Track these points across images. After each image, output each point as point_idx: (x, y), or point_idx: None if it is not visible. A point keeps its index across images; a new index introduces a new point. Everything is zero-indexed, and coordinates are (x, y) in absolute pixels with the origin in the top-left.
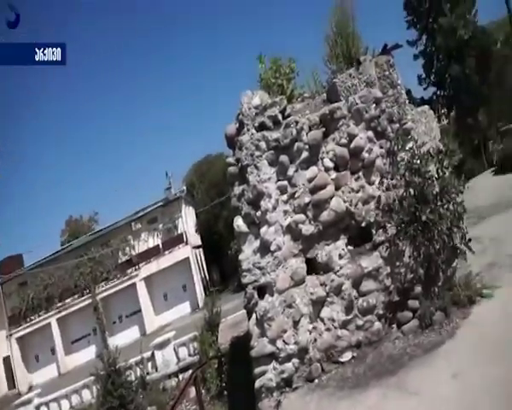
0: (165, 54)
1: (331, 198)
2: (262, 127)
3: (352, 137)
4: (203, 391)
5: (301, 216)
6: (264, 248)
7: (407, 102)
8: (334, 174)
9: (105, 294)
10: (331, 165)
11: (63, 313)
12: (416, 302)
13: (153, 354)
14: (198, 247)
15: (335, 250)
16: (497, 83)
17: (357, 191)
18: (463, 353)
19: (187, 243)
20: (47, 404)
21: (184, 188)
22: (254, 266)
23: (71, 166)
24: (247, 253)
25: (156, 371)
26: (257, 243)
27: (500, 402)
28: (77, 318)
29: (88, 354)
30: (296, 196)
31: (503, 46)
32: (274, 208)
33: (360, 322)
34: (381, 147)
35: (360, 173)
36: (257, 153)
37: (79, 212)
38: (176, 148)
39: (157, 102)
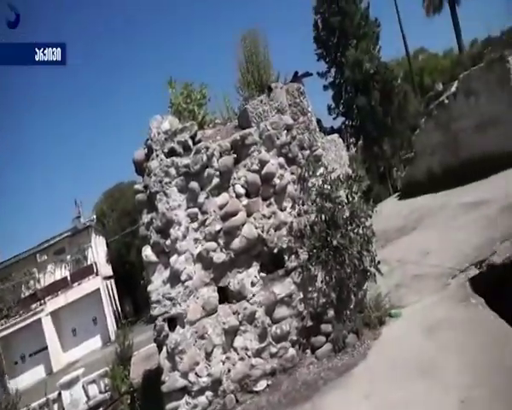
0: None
1: (243, 225)
2: (172, 153)
3: (263, 163)
4: None
5: (212, 244)
6: (175, 278)
7: (317, 129)
8: (245, 201)
9: (5, 333)
10: (242, 191)
11: None
12: (329, 326)
13: (59, 394)
14: (109, 277)
15: (248, 278)
16: (398, 115)
17: (269, 217)
18: (375, 373)
19: (97, 274)
20: None
21: (94, 217)
22: (164, 296)
23: None
24: (157, 283)
25: None
26: (167, 273)
27: None
28: None
29: None
30: (207, 223)
31: (403, 82)
32: (184, 237)
33: (274, 349)
34: (293, 173)
35: (272, 199)
36: (166, 179)
37: None
38: (86, 175)
39: (64, 129)
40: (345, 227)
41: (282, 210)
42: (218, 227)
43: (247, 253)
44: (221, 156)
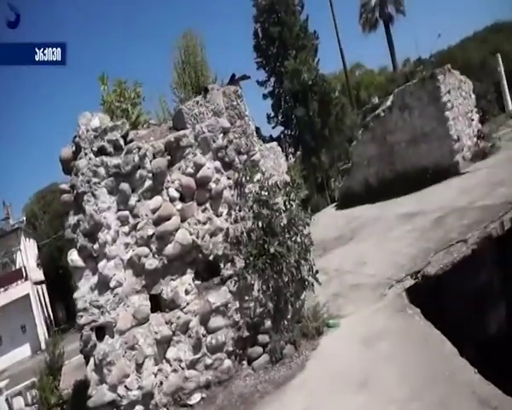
0: None
1: (176, 230)
2: (101, 152)
3: (198, 166)
4: None
5: (144, 249)
6: (103, 285)
7: (255, 133)
8: (179, 205)
9: None
10: (177, 195)
11: None
12: (266, 337)
13: None
14: (40, 282)
15: (181, 286)
16: (336, 127)
17: (205, 223)
18: (313, 385)
19: (27, 279)
20: None
21: (24, 218)
22: (92, 304)
23: None
24: (84, 290)
25: None
26: (94, 279)
27: None
28: None
29: None
30: (139, 227)
31: (341, 95)
32: (114, 241)
33: (209, 361)
34: (229, 178)
35: (207, 205)
36: (95, 179)
37: None
38: (16, 176)
39: None
40: (282, 235)
41: (217, 216)
42: (150, 232)
43: (181, 259)
44: (154, 158)
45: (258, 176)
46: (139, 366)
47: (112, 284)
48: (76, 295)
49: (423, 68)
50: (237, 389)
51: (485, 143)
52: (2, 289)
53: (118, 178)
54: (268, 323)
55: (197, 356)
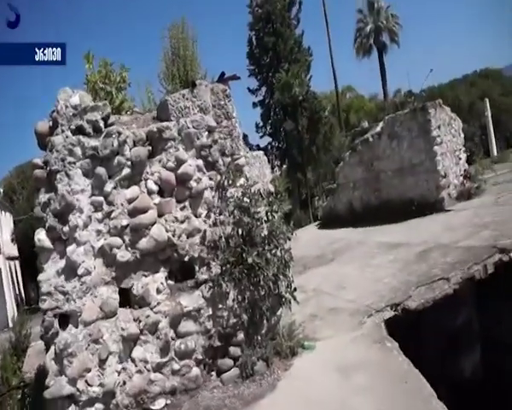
0: None
1: (152, 225)
2: (79, 131)
3: (180, 162)
4: None
5: (117, 239)
6: (71, 271)
7: (241, 137)
8: (157, 199)
9: None
10: (155, 188)
11: None
12: (237, 350)
13: None
14: (14, 258)
15: (153, 283)
16: (323, 146)
17: (182, 222)
18: (283, 408)
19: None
20: None
21: (1, 190)
22: (57, 289)
23: None
24: (49, 273)
25: None
26: (62, 263)
27: None
28: None
29: None
30: (113, 215)
31: (330, 115)
32: (85, 226)
33: (177, 366)
34: (211, 179)
35: (186, 203)
36: (70, 159)
37: None
38: None
39: None
40: (262, 246)
41: (196, 216)
42: (124, 222)
43: (155, 256)
44: (135, 146)
45: (241, 181)
46: (102, 362)
47: (80, 272)
48: (40, 277)
49: (414, 100)
50: (204, 401)
51: (471, 183)
52: None
53: (94, 161)
54: (241, 335)
55: (164, 360)
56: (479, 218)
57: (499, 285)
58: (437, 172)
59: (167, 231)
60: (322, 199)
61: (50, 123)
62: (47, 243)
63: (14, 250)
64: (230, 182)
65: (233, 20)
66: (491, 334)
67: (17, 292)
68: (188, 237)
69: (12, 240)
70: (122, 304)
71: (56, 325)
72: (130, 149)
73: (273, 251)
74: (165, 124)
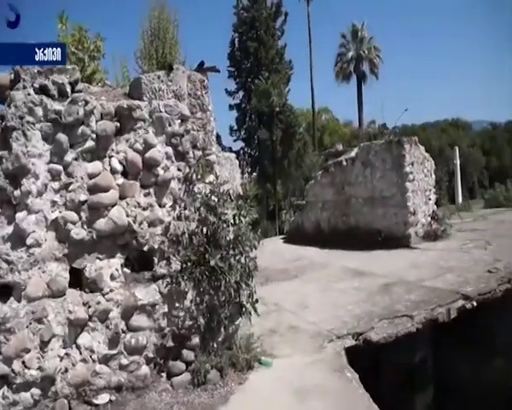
0: None
1: (113, 206)
2: (43, 91)
3: (148, 145)
4: None
5: (73, 215)
6: (18, 239)
7: (215, 133)
8: (120, 180)
9: None
10: (119, 168)
11: None
12: (191, 354)
13: None
14: None
15: (108, 268)
16: (295, 161)
17: (145, 209)
18: None
19: None
20: None
21: None
22: (1, 257)
23: None
24: None
25: None
26: (9, 230)
27: None
28: None
29: None
30: (71, 188)
31: (305, 132)
32: (39, 194)
33: (125, 361)
34: (180, 170)
35: (151, 190)
36: (29, 118)
37: None
38: None
39: None
40: (226, 250)
41: (160, 206)
42: (83, 197)
43: (113, 239)
44: (102, 119)
45: (210, 178)
46: (44, 344)
47: (28, 242)
48: None
49: (390, 133)
50: (150, 403)
51: (438, 225)
52: None
53: (56, 126)
54: (196, 340)
55: (112, 352)
56: (444, 261)
57: (457, 330)
58: (406, 208)
59: (128, 215)
60: (290, 213)
61: (12, 76)
62: None
63: None
64: (199, 177)
65: (219, 14)
66: (444, 377)
67: None
68: (149, 226)
69: None
70: (72, 285)
71: None
72: (97, 122)
73: (237, 257)
74: (136, 102)
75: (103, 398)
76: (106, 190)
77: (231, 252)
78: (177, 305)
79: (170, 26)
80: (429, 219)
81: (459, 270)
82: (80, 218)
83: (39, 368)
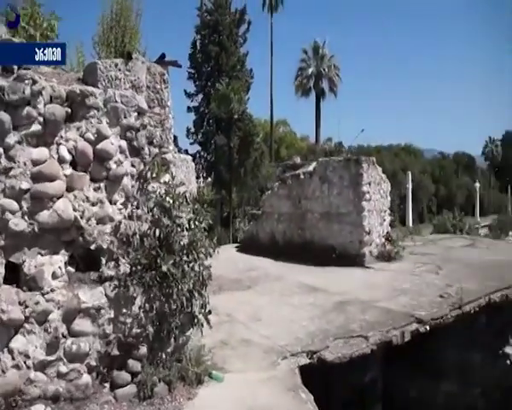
0: None
1: (58, 198)
2: None
3: (101, 136)
4: None
5: (13, 203)
6: None
7: (172, 130)
8: (69, 170)
9: None
10: (68, 157)
11: None
12: (138, 364)
13: None
14: None
15: (50, 266)
16: (252, 171)
17: (94, 204)
18: None
19: None
20: None
21: None
22: None
23: None
24: None
25: None
26: None
27: None
28: None
29: None
30: (12, 174)
31: (262, 142)
32: None
33: (64, 369)
34: (134, 166)
35: (102, 185)
36: None
37: None
38: None
39: None
40: (180, 256)
41: (111, 202)
42: (25, 186)
43: (57, 235)
44: (51, 102)
45: (166, 177)
46: None
47: None
48: None
49: (347, 152)
50: None
51: (392, 247)
52: None
53: None
54: (143, 349)
55: (50, 358)
56: (397, 282)
57: (407, 352)
58: (362, 227)
59: (75, 209)
60: (244, 222)
61: None
62: None
63: None
64: (154, 175)
65: (183, 12)
66: (393, 397)
67: None
68: (98, 223)
69: None
70: (7, 281)
71: None
72: (45, 105)
73: (191, 264)
74: (90, 88)
75: (37, 409)
76: (51, 179)
77: (185, 258)
78: (124, 310)
79: (132, 14)
80: (383, 239)
81: (412, 293)
82: (21, 207)
83: None
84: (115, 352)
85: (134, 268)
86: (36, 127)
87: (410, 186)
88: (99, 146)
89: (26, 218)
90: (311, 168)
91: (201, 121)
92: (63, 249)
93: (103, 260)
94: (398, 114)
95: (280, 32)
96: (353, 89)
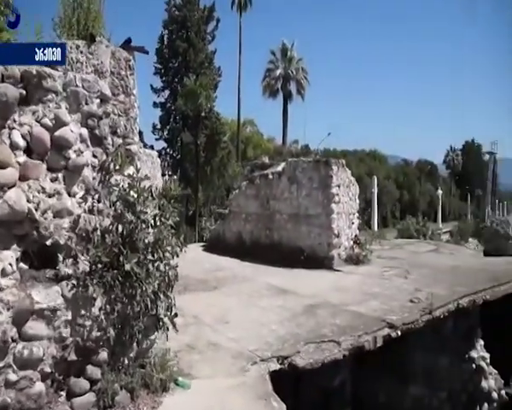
0: None
1: (10, 187)
2: None
3: (60, 123)
4: None
5: None
6: None
7: (138, 121)
8: (22, 158)
9: None
10: (22, 144)
11: None
12: (97, 371)
13: None
14: None
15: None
16: (218, 170)
17: (51, 196)
18: None
19: None
20: None
21: None
22: None
23: None
24: None
25: None
26: None
27: None
28: None
29: None
30: None
31: (229, 141)
32: None
33: (14, 376)
34: (95, 156)
35: (60, 175)
36: None
37: None
38: None
39: None
40: (144, 254)
41: (70, 195)
42: None
43: (7, 227)
44: (3, 82)
45: (130, 170)
46: None
47: None
48: None
49: (316, 154)
50: None
51: (360, 250)
52: None
53: None
54: (104, 354)
55: None
56: (367, 286)
57: (376, 356)
58: (331, 230)
59: (29, 201)
60: (210, 221)
61: None
62: None
63: None
64: (118, 167)
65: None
66: (362, 401)
67: None
68: (55, 217)
69: None
70: None
71: None
72: None
73: (156, 264)
74: (47, 70)
75: None
76: (2, 166)
77: (150, 257)
78: (82, 312)
79: None
80: (352, 243)
81: (382, 297)
82: None
83: None
84: (72, 357)
85: (94, 267)
86: None
87: (375, 190)
88: (57, 133)
89: None
90: (279, 168)
91: (168, 118)
92: (15, 244)
93: (60, 257)
94: (363, 120)
95: (249, 32)
96: (321, 93)
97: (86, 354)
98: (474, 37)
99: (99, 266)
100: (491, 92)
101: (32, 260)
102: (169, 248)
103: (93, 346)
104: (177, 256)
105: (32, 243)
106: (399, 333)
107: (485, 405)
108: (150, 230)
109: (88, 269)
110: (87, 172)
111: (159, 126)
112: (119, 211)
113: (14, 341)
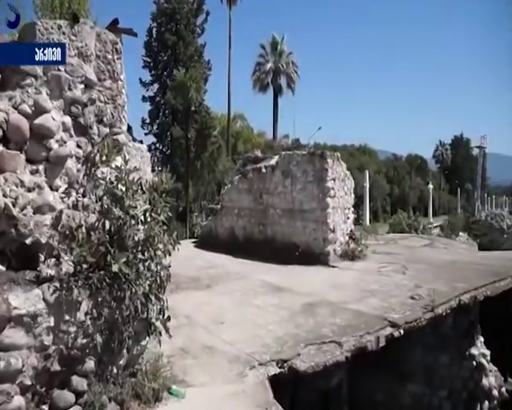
0: None
1: None
2: None
3: (40, 109)
4: None
5: None
6: None
7: (126, 108)
8: None
9: None
10: None
11: None
12: (83, 382)
13: None
14: None
15: None
16: (208, 165)
17: (30, 190)
18: None
19: None
20: None
21: None
22: None
23: None
24: None
25: None
26: None
27: None
28: None
29: None
30: None
31: (219, 136)
32: None
33: None
34: (80, 147)
35: (40, 167)
36: None
37: None
38: None
39: None
40: (134, 253)
41: (52, 189)
42: None
43: None
44: None
45: (118, 162)
46: None
47: None
48: None
49: (309, 148)
50: None
51: (356, 245)
52: None
53: None
54: (90, 363)
55: None
56: (365, 283)
57: (373, 354)
58: (326, 225)
59: (5, 195)
60: (201, 217)
61: None
62: None
63: None
64: (104, 159)
65: None
66: (359, 400)
67: None
68: (35, 213)
69: None
70: None
71: None
72: None
73: (147, 263)
74: None
75: None
76: None
77: (140, 256)
78: (67, 318)
79: None
80: (347, 238)
81: (382, 294)
82: None
83: None
84: (56, 367)
85: (79, 267)
86: None
87: (367, 185)
88: (37, 121)
89: None
90: (273, 162)
91: (157, 112)
92: None
93: (41, 257)
94: (354, 114)
95: (238, 26)
96: (311, 87)
97: (71, 363)
98: (465, 31)
99: (84, 266)
100: (480, 87)
101: (10, 261)
102: (161, 246)
103: (78, 354)
104: (170, 255)
105: (10, 242)
106: (402, 332)
107: (486, 402)
108: (140, 226)
109: (72, 270)
110: (70, 164)
111: (148, 121)
112: (106, 206)
113: None
